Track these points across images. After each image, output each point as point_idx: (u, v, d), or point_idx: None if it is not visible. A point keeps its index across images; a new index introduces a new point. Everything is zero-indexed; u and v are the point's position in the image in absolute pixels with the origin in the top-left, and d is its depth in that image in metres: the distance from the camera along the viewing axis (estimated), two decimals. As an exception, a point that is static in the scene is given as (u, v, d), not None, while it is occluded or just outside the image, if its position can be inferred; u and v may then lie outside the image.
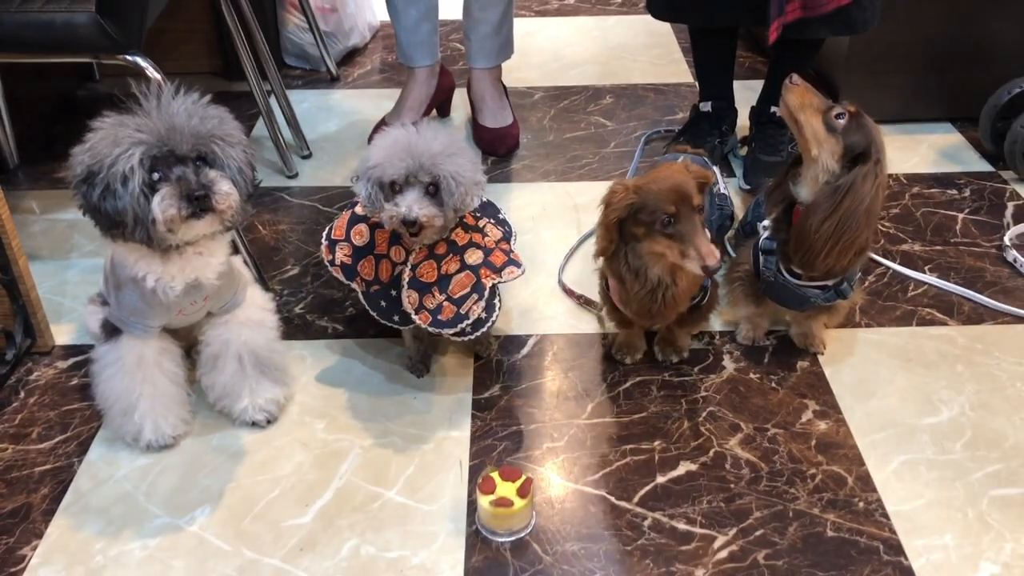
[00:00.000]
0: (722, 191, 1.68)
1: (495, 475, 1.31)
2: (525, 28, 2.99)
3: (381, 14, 2.98)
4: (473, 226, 1.49)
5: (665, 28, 2.99)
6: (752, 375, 1.59)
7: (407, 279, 1.44)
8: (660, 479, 1.40)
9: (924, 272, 1.83)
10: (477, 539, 1.31)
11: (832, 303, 1.55)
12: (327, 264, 1.53)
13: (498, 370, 1.61)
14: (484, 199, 1.59)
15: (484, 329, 1.46)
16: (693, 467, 1.42)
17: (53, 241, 1.97)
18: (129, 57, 1.62)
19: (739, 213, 1.83)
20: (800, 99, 1.43)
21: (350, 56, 2.85)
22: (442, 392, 1.57)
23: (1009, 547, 1.29)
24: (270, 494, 1.38)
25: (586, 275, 1.83)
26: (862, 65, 2.29)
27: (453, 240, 1.46)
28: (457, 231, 1.46)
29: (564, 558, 1.28)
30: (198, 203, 1.20)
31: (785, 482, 1.39)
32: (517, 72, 2.67)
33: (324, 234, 1.54)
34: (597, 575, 1.26)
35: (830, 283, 1.51)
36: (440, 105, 2.43)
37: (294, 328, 1.71)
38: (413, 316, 1.44)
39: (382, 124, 2.33)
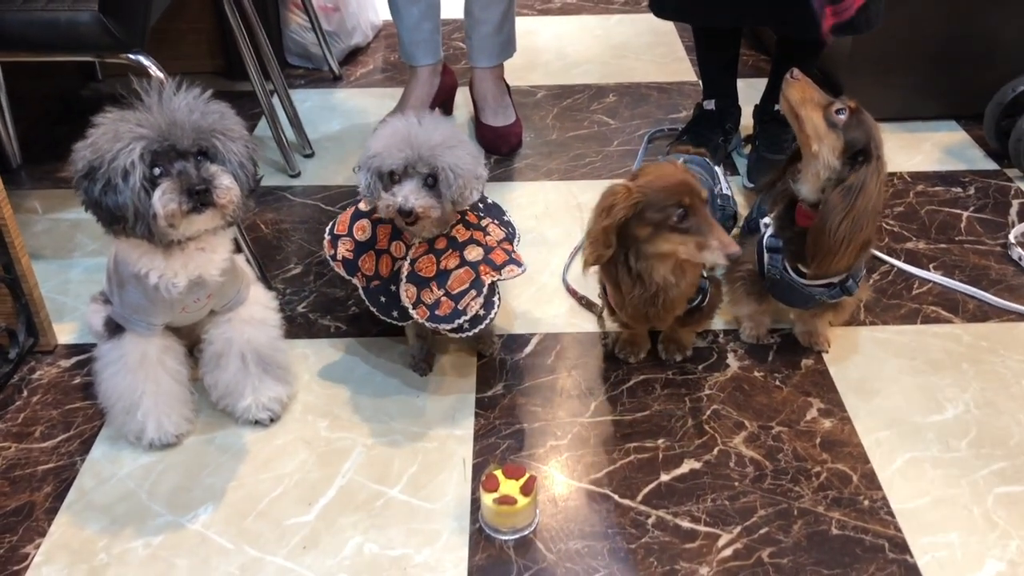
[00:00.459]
0: (724, 191, 1.68)
1: (499, 473, 1.31)
2: (527, 27, 2.99)
3: (383, 13, 2.98)
4: (475, 224, 1.48)
5: (668, 26, 2.98)
6: (756, 373, 1.59)
7: (406, 273, 1.44)
8: (664, 477, 1.40)
9: (929, 270, 1.83)
10: (481, 537, 1.31)
11: (838, 300, 1.54)
12: (329, 259, 1.53)
13: (501, 369, 1.61)
14: (489, 201, 1.59)
15: (482, 326, 1.46)
16: (697, 465, 1.42)
17: (56, 240, 1.97)
18: (132, 56, 1.62)
19: (742, 211, 1.83)
20: (801, 94, 1.42)
21: (352, 55, 2.85)
22: (445, 391, 1.56)
23: (1015, 544, 1.28)
24: (273, 492, 1.38)
25: (589, 275, 1.83)
26: (866, 63, 2.28)
27: (453, 236, 1.45)
28: (458, 228, 1.46)
29: (568, 556, 1.28)
30: (199, 197, 1.20)
31: (790, 480, 1.39)
32: (520, 71, 2.67)
33: (327, 229, 1.54)
34: (601, 573, 1.25)
35: (835, 281, 1.50)
36: (443, 104, 2.43)
37: (297, 327, 1.71)
38: (411, 311, 1.44)
39: (383, 124, 2.33)
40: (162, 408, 1.42)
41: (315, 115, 2.49)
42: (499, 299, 1.49)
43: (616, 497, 1.37)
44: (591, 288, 1.77)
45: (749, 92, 2.31)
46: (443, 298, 1.43)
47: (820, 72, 2.44)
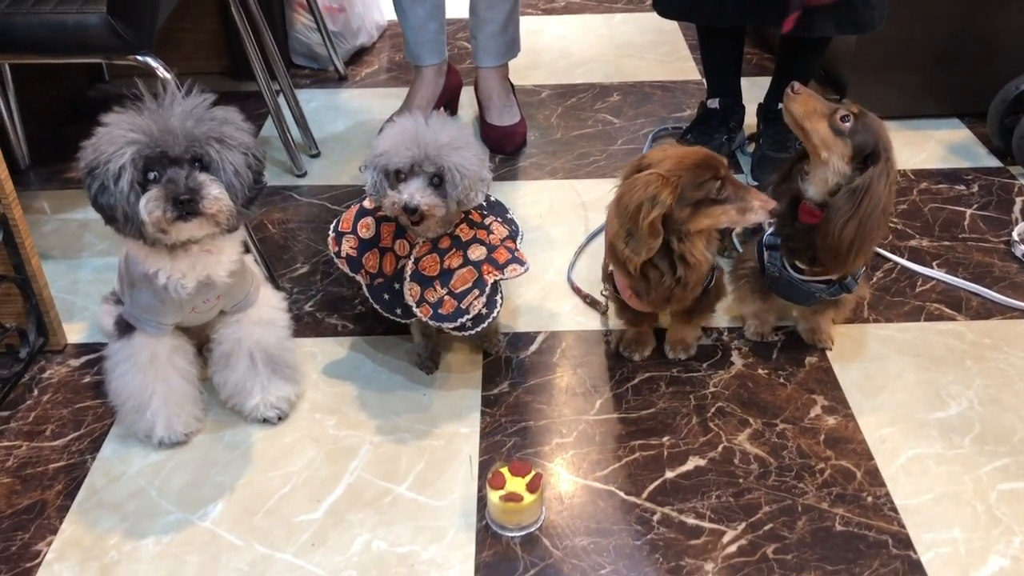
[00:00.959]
0: None
1: (505, 470, 1.32)
2: (532, 26, 3.00)
3: (388, 13, 2.98)
4: (479, 223, 1.49)
5: (672, 25, 2.99)
6: (760, 371, 1.60)
7: (410, 272, 1.46)
8: (669, 474, 1.41)
9: (932, 268, 1.83)
10: (487, 534, 1.32)
11: (837, 297, 1.55)
12: (333, 256, 1.54)
13: (507, 367, 1.62)
14: (492, 199, 1.60)
15: (485, 325, 1.47)
16: (702, 462, 1.43)
17: (65, 241, 1.99)
18: (140, 58, 1.63)
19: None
20: (804, 107, 1.42)
21: (358, 55, 2.86)
22: (451, 388, 1.58)
23: (1018, 540, 1.29)
24: (282, 490, 1.39)
25: (594, 273, 1.84)
26: (870, 62, 2.29)
27: (457, 235, 1.46)
28: (462, 227, 1.47)
29: (574, 552, 1.29)
30: (183, 207, 1.20)
31: (794, 477, 1.39)
32: (524, 70, 2.68)
33: (332, 226, 1.55)
34: (606, 569, 1.27)
35: (835, 278, 1.51)
36: (447, 103, 2.43)
37: (304, 326, 1.72)
38: (414, 309, 1.45)
39: (390, 123, 2.34)
40: (171, 407, 1.44)
41: (321, 115, 2.50)
42: (502, 298, 1.50)
43: (621, 494, 1.38)
44: (594, 286, 1.78)
45: (753, 90, 2.32)
46: (446, 297, 1.44)
47: (824, 72, 2.45)
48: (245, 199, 1.28)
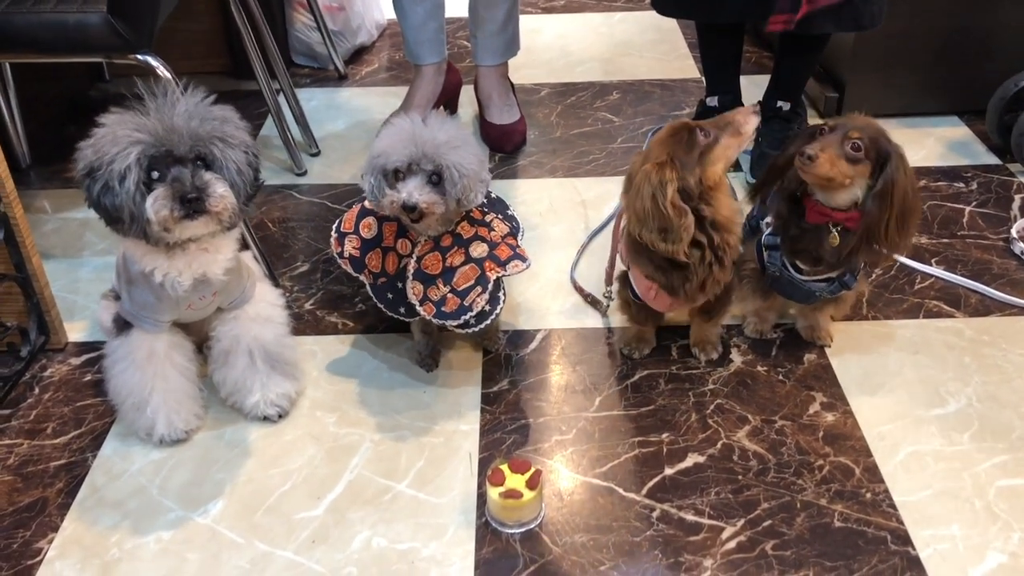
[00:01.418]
0: None
1: (504, 467, 1.32)
2: (531, 25, 3.00)
3: (388, 12, 2.98)
4: (480, 220, 1.50)
5: (671, 23, 2.99)
6: (759, 368, 1.60)
7: (412, 270, 1.46)
8: (668, 471, 1.41)
9: (931, 265, 1.84)
10: (487, 531, 1.32)
11: (838, 295, 1.55)
12: (336, 256, 1.54)
13: (506, 364, 1.62)
14: (494, 195, 1.60)
15: (488, 321, 1.47)
16: (701, 459, 1.43)
17: (65, 240, 1.99)
18: (140, 57, 1.64)
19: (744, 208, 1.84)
20: (825, 164, 1.39)
21: (358, 54, 2.86)
22: (451, 386, 1.58)
23: (1016, 537, 1.29)
24: (282, 487, 1.40)
25: (595, 271, 1.85)
26: (868, 60, 2.29)
27: (458, 233, 1.47)
28: (463, 224, 1.48)
29: (573, 549, 1.29)
30: (191, 205, 1.21)
31: (793, 473, 1.40)
32: (524, 69, 2.68)
33: (334, 227, 1.56)
34: (606, 566, 1.27)
35: (834, 275, 1.51)
36: (447, 102, 2.44)
37: (304, 324, 1.73)
38: (417, 307, 1.46)
39: (388, 124, 2.35)
40: (171, 404, 1.44)
41: (321, 114, 2.50)
42: (504, 294, 1.50)
43: (621, 491, 1.38)
44: (596, 285, 1.79)
45: (752, 89, 2.32)
46: (449, 295, 1.44)
47: (823, 69, 2.45)
48: (246, 196, 1.29)
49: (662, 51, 2.83)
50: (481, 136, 2.35)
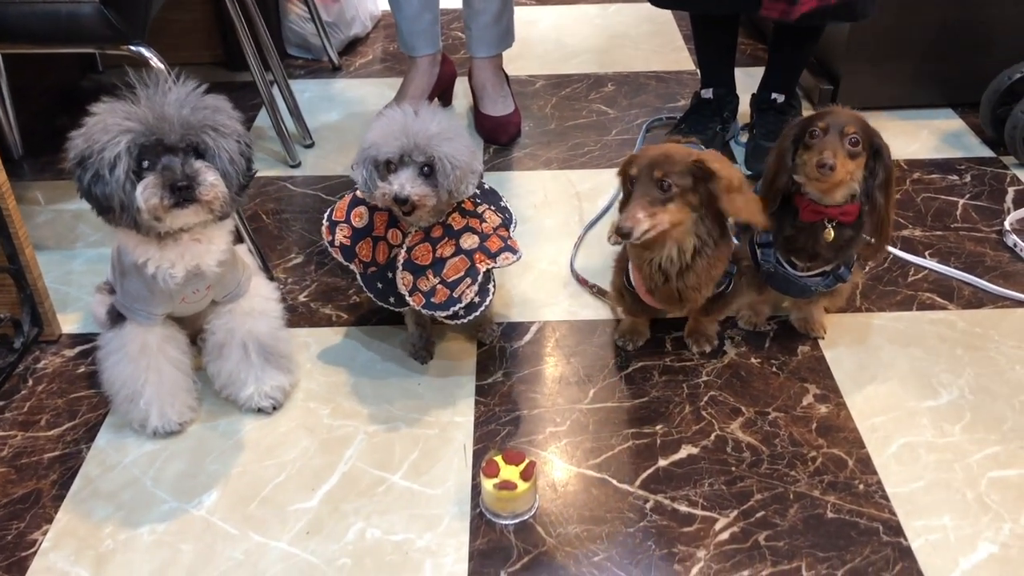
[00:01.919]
0: None
1: (499, 459, 1.33)
2: (526, 16, 3.00)
3: (382, 3, 2.99)
4: (471, 211, 1.50)
5: (666, 15, 2.99)
6: (753, 360, 1.61)
7: (402, 261, 1.46)
8: (662, 462, 1.41)
9: (924, 257, 1.84)
10: (481, 522, 1.32)
11: (833, 288, 1.56)
12: (327, 245, 1.54)
13: (500, 356, 1.62)
14: (487, 186, 1.60)
15: (477, 313, 1.47)
16: (694, 450, 1.43)
17: (58, 231, 1.99)
18: (133, 48, 1.63)
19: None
20: (841, 172, 1.38)
21: (352, 46, 2.85)
22: (445, 378, 1.58)
23: (1007, 527, 1.30)
24: (276, 479, 1.40)
25: (591, 263, 1.85)
26: (863, 52, 2.29)
27: (449, 224, 1.47)
28: (454, 215, 1.47)
29: (567, 540, 1.30)
30: (181, 193, 1.20)
31: (786, 465, 1.40)
32: (518, 60, 2.68)
33: (325, 215, 1.56)
34: (599, 556, 1.27)
35: (828, 269, 1.52)
36: (442, 94, 2.44)
37: (298, 316, 1.72)
38: (407, 298, 1.46)
39: (380, 116, 2.34)
40: (165, 396, 1.44)
41: (315, 105, 2.49)
42: (494, 286, 1.50)
43: (615, 482, 1.38)
44: (593, 277, 1.79)
45: (747, 80, 2.32)
46: (439, 286, 1.44)
47: (817, 61, 2.45)
48: (238, 186, 1.29)
49: (657, 43, 2.83)
50: (475, 128, 2.34)
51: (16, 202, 1.55)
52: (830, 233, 1.45)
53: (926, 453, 1.42)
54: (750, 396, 1.53)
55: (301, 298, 1.78)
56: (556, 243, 1.91)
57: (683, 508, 1.34)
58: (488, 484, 1.30)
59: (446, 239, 1.46)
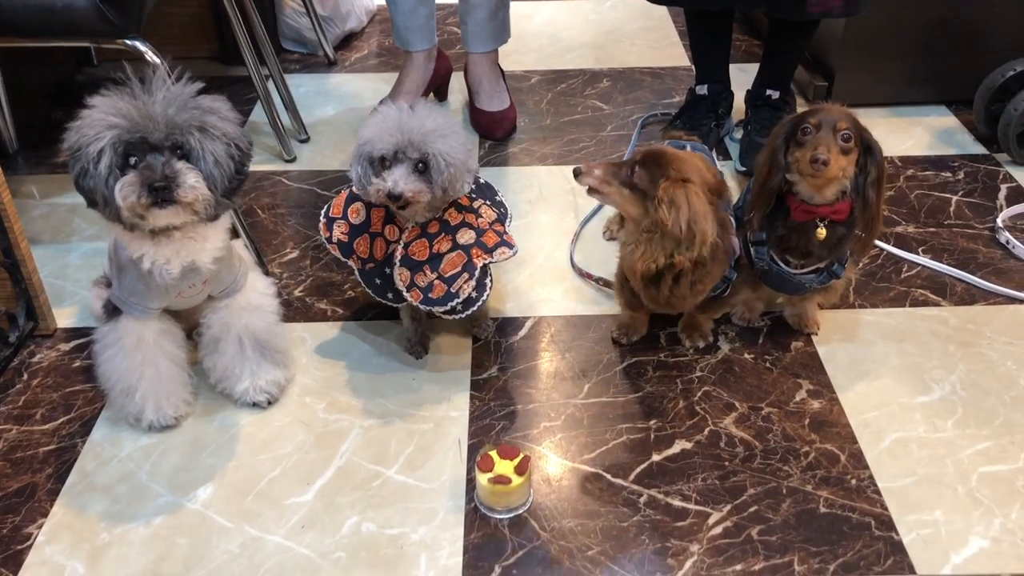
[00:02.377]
0: None
1: (493, 453, 1.33)
2: (522, 12, 3.00)
3: (378, -2, 2.99)
4: (467, 207, 1.50)
5: (662, 11, 2.99)
6: (747, 355, 1.61)
7: (399, 257, 1.46)
8: (656, 457, 1.42)
9: (918, 253, 1.85)
10: (476, 516, 1.33)
11: (827, 284, 1.56)
12: (324, 241, 1.55)
13: (496, 351, 1.63)
14: (482, 180, 1.61)
15: (474, 308, 1.48)
16: (688, 445, 1.44)
17: (53, 225, 1.98)
18: (128, 42, 1.63)
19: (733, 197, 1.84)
20: (835, 168, 1.39)
21: (347, 40, 2.85)
22: (440, 373, 1.58)
23: (998, 522, 1.31)
24: (272, 473, 1.40)
25: (586, 259, 1.85)
26: (857, 49, 2.30)
27: (446, 220, 1.47)
28: (450, 211, 1.48)
29: (561, 534, 1.30)
30: (158, 194, 1.20)
31: (779, 460, 1.41)
32: (514, 56, 2.68)
33: (323, 212, 1.56)
34: (593, 551, 1.28)
35: (822, 266, 1.52)
36: (437, 89, 2.44)
37: (294, 311, 1.73)
38: (404, 293, 1.46)
39: (374, 112, 2.34)
40: (160, 390, 1.44)
41: (310, 100, 2.49)
42: (491, 281, 1.51)
43: (609, 477, 1.39)
44: (595, 272, 1.80)
45: (742, 77, 2.33)
46: (436, 281, 1.45)
47: (811, 58, 2.45)
48: (225, 189, 1.27)
49: (652, 39, 2.83)
50: (471, 123, 2.35)
51: (11, 196, 1.55)
52: (822, 232, 1.46)
53: (918, 448, 1.43)
54: (743, 391, 1.54)
55: (296, 293, 1.78)
56: (551, 238, 1.92)
57: (676, 503, 1.35)
58: (483, 478, 1.31)
59: (443, 235, 1.46)
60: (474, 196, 1.53)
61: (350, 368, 1.60)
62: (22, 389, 1.56)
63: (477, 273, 1.46)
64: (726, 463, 1.41)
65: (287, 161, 2.21)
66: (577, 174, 1.45)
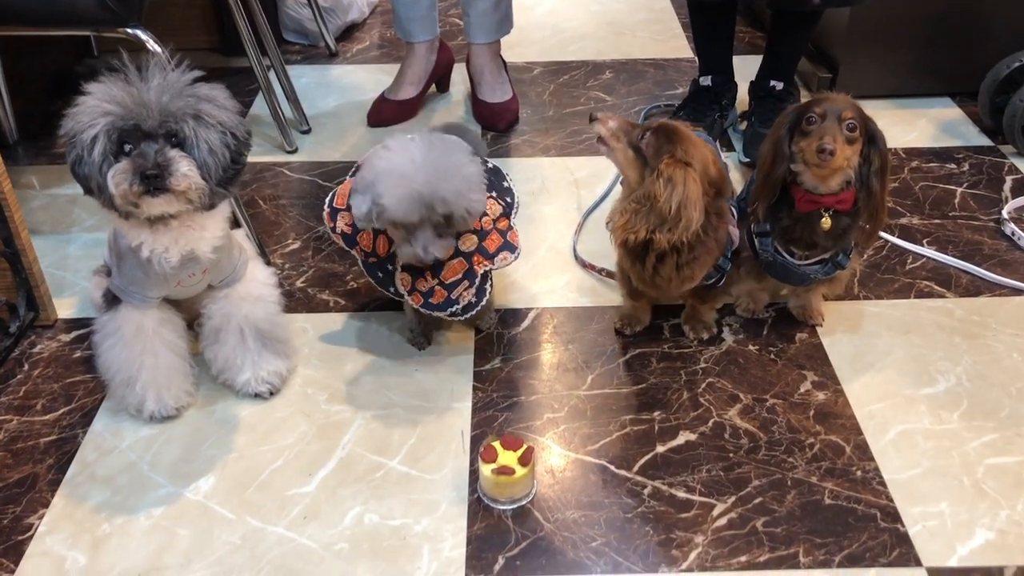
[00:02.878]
0: None
1: (497, 444, 1.33)
2: (524, 3, 2.99)
3: (380, -11, 2.98)
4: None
5: (665, 3, 2.98)
6: (751, 347, 1.61)
7: (401, 261, 1.46)
8: (660, 448, 1.41)
9: (923, 245, 1.84)
10: (479, 507, 1.32)
11: (832, 275, 1.56)
12: (329, 231, 1.54)
13: (499, 342, 1.62)
14: (491, 165, 1.59)
15: (474, 312, 1.48)
16: (692, 437, 1.43)
17: (54, 216, 1.98)
18: (129, 30, 1.62)
19: (737, 188, 1.83)
20: (841, 158, 1.38)
21: (349, 31, 2.84)
22: (443, 364, 1.58)
23: (1004, 514, 1.30)
24: (273, 464, 1.40)
25: (590, 250, 1.84)
26: (862, 40, 2.29)
27: None
28: None
29: (565, 525, 1.30)
30: (150, 182, 1.19)
31: (784, 451, 1.40)
32: (516, 47, 2.67)
33: (326, 201, 1.55)
34: (597, 542, 1.27)
35: (827, 257, 1.51)
36: (439, 80, 2.43)
37: (296, 301, 1.72)
38: (406, 297, 1.46)
39: (381, 99, 2.33)
40: (161, 381, 1.43)
41: (312, 91, 2.48)
42: (491, 284, 1.50)
43: (613, 468, 1.38)
44: (598, 263, 1.79)
45: (745, 68, 2.31)
46: (437, 287, 1.45)
47: (816, 49, 2.44)
48: (221, 178, 1.25)
49: (655, 30, 2.82)
50: (473, 114, 2.34)
51: (12, 186, 1.54)
52: (827, 222, 1.45)
53: (923, 440, 1.42)
54: (748, 383, 1.53)
55: (299, 283, 1.77)
56: (554, 230, 1.91)
57: (681, 494, 1.34)
58: (486, 469, 1.30)
59: None
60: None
61: (352, 359, 1.59)
62: (23, 379, 1.55)
63: (477, 280, 1.46)
64: (730, 454, 1.40)
65: (289, 152, 2.20)
66: (592, 119, 1.46)
